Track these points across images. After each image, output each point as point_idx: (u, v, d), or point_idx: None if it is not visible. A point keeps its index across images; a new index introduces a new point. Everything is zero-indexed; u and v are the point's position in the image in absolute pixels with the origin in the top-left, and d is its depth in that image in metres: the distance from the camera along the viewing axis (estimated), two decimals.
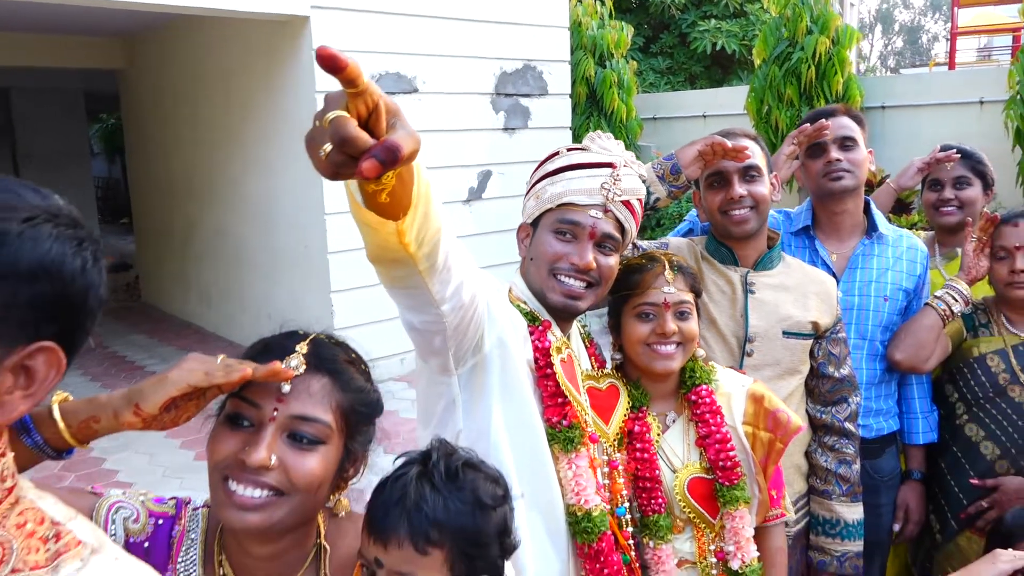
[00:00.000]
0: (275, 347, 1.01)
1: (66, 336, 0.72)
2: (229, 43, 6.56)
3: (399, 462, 1.04)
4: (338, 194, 5.96)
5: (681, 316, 1.55)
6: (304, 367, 0.98)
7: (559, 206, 1.45)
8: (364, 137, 0.72)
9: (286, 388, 0.96)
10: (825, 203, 2.16)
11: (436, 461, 1.01)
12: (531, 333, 1.42)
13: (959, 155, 2.39)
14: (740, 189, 1.79)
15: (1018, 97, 5.55)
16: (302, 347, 1.00)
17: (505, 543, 1.04)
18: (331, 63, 0.68)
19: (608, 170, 1.46)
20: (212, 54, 6.87)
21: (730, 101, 8.24)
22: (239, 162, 6.57)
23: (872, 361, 2.09)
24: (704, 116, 8.36)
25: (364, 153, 0.72)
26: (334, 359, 1.02)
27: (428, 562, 0.97)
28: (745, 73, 10.14)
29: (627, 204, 1.47)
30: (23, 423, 0.92)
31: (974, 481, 2.03)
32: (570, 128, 7.49)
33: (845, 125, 2.09)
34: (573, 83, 7.66)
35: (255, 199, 6.50)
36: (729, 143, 1.74)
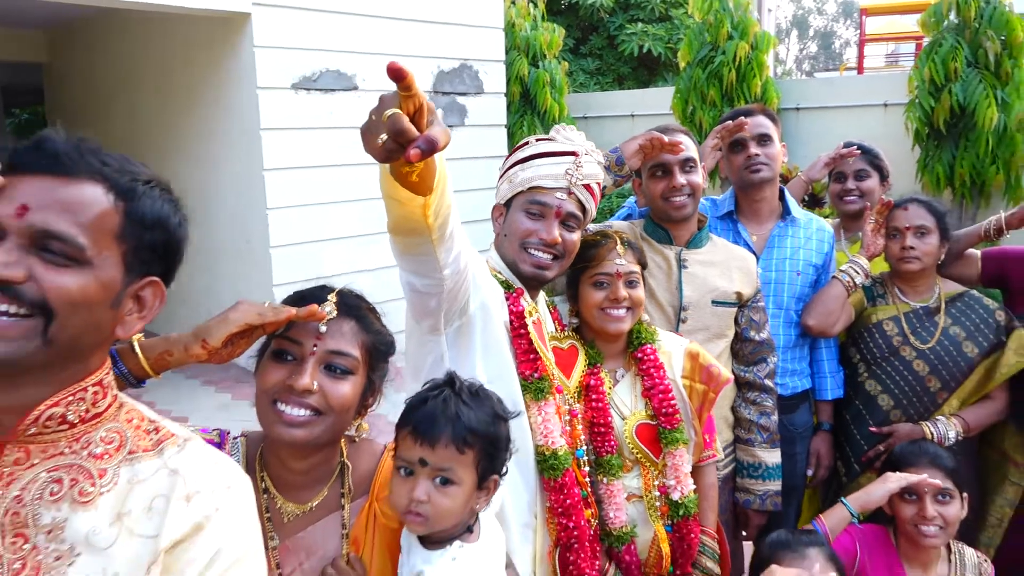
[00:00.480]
0: (309, 296, 1.23)
1: (166, 275, 0.94)
2: (168, 38, 6.57)
3: (427, 385, 1.28)
4: (280, 189, 6.06)
5: (630, 284, 1.82)
6: (336, 312, 1.20)
7: (529, 189, 1.70)
8: (413, 130, 0.95)
9: (323, 328, 1.18)
10: (746, 192, 2.47)
11: (460, 385, 1.25)
12: (507, 299, 1.67)
13: (859, 151, 2.74)
14: (681, 179, 2.08)
15: (917, 101, 6.06)
16: (333, 296, 1.22)
17: (509, 449, 1.29)
18: (397, 74, 0.91)
19: (571, 158, 1.71)
20: (149, 49, 6.85)
21: (657, 101, 8.63)
22: (178, 158, 6.58)
23: (787, 327, 2.41)
24: (632, 115, 8.72)
25: (411, 142, 0.95)
26: (358, 307, 1.26)
27: (464, 459, 1.21)
28: (670, 75, 10.59)
29: (587, 187, 1.73)
30: (111, 355, 1.11)
31: (873, 429, 2.37)
32: (505, 126, 7.75)
33: (762, 124, 2.40)
34: (507, 82, 7.91)
35: (194, 194, 6.49)
36: (666, 138, 2.02)
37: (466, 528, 1.26)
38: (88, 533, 0.84)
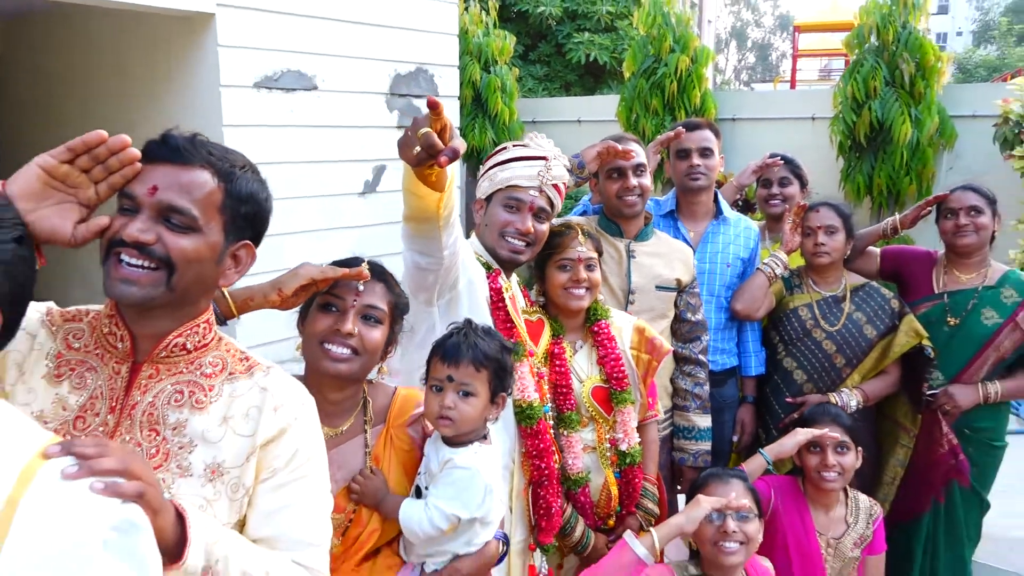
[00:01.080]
0: (346, 265, 1.55)
1: (256, 239, 1.25)
2: (127, 35, 6.66)
3: (451, 327, 1.66)
4: None
5: (589, 268, 2.17)
6: (369, 275, 1.53)
7: (507, 187, 2.03)
8: (440, 144, 1.29)
9: (361, 287, 1.51)
10: (686, 195, 2.85)
11: (475, 326, 1.60)
12: (487, 278, 2.00)
13: (783, 161, 3.15)
14: (633, 181, 2.44)
15: (841, 116, 6.60)
16: (365, 265, 1.54)
17: (512, 374, 1.65)
18: (434, 104, 1.25)
19: (543, 162, 2.05)
20: (106, 44, 6.92)
21: (602, 108, 9.05)
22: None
23: (718, 312, 2.79)
24: (579, 121, 9.13)
25: (439, 153, 1.29)
26: (384, 273, 1.59)
27: (480, 376, 1.58)
28: (615, 83, 11.04)
29: (555, 187, 2.07)
30: None
31: (789, 400, 2.77)
32: (459, 128, 8.05)
33: (707, 138, 2.78)
34: (460, 86, 8.21)
35: None
36: (620, 147, 2.37)
37: (481, 435, 1.61)
38: (203, 430, 1.14)
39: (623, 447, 2.18)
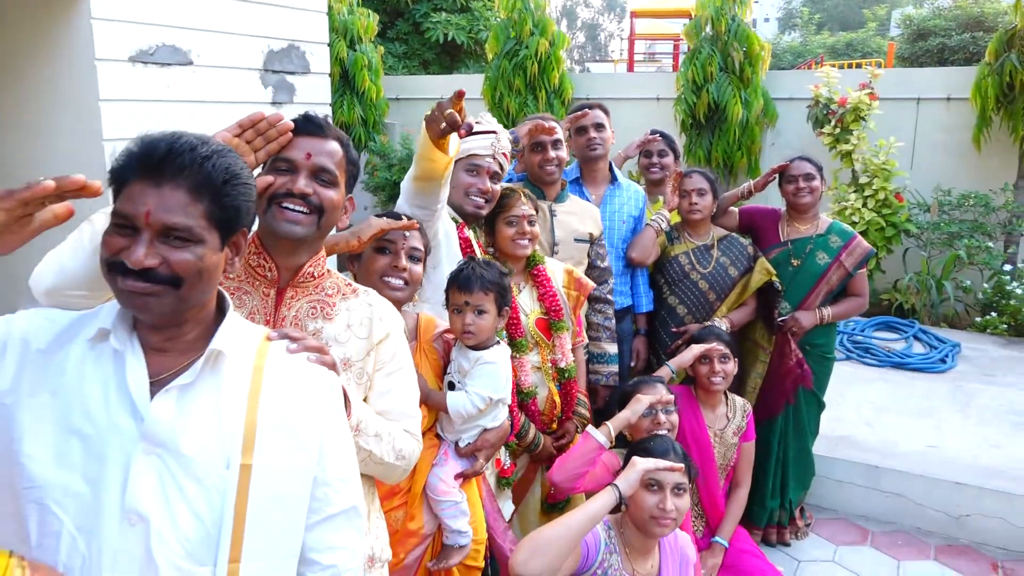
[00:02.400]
0: (394, 216, 1.97)
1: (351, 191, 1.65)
2: None
3: (460, 263, 2.08)
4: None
5: (531, 223, 2.67)
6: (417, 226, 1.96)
7: (468, 156, 2.49)
8: (459, 121, 1.75)
9: (408, 235, 1.94)
10: (587, 164, 3.41)
11: (477, 260, 2.05)
12: (457, 229, 2.46)
13: (660, 136, 3.78)
14: (552, 154, 2.96)
15: (682, 97, 7.46)
16: (404, 218, 1.96)
17: (510, 294, 2.12)
18: (461, 95, 1.70)
19: (493, 135, 2.52)
20: None
21: (465, 87, 9.49)
22: (6, 129, 6.44)
23: (617, 260, 3.38)
24: (442, 98, 9.53)
25: (459, 127, 1.76)
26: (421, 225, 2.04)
27: (488, 298, 2.04)
28: (471, 62, 11.53)
29: (504, 155, 2.55)
30: None
31: (674, 330, 3.41)
32: (330, 104, 8.25)
33: (599, 116, 3.35)
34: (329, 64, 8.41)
35: (26, 164, 6.45)
36: (546, 124, 2.89)
37: (495, 341, 2.08)
38: (334, 335, 1.55)
39: (562, 365, 2.72)
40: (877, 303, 6.86)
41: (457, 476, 2.03)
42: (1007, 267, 6.52)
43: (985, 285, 6.59)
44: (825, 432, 3.86)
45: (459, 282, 2.08)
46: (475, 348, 2.07)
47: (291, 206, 1.49)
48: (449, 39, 11.02)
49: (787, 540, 3.60)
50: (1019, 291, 6.22)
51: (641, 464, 1.98)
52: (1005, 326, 6.23)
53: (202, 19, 6.74)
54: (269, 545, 1.23)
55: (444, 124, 1.84)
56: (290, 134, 1.52)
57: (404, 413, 1.63)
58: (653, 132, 3.78)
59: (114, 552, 1.14)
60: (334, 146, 1.55)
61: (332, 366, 1.35)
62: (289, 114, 5.68)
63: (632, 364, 3.50)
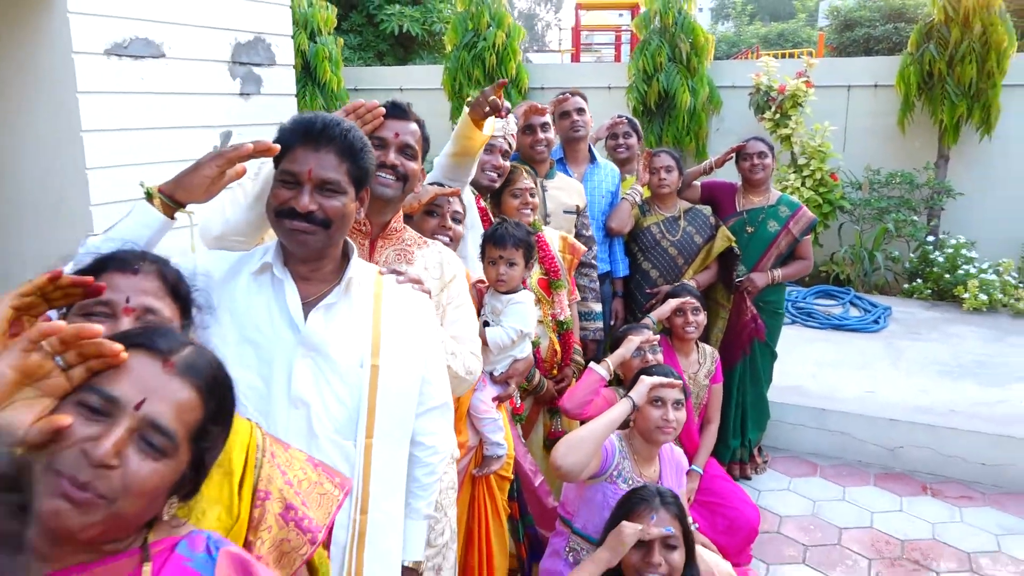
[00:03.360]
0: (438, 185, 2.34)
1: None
2: None
3: (496, 222, 2.46)
4: (99, 150, 6.38)
5: (532, 195, 3.07)
6: (459, 191, 2.34)
7: None
8: (500, 106, 2.14)
9: (451, 201, 2.32)
10: (570, 144, 3.82)
11: (509, 221, 2.45)
12: (476, 199, 2.84)
13: (626, 120, 4.22)
14: (542, 135, 3.36)
15: (634, 85, 7.94)
16: (447, 187, 2.34)
17: (536, 250, 2.52)
18: (503, 84, 2.10)
19: (504, 120, 2.91)
20: None
21: (422, 77, 9.83)
22: None
23: (598, 231, 3.81)
24: (401, 89, 9.84)
25: (499, 110, 2.15)
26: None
27: (518, 254, 2.42)
28: (425, 53, 11.83)
29: (512, 136, 2.95)
30: None
31: (648, 291, 3.86)
32: (294, 95, 8.48)
33: (579, 102, 3.76)
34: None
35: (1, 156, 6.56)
36: (539, 107, 3.29)
37: (522, 288, 2.48)
38: (416, 275, 1.93)
39: (561, 318, 3.13)
40: (816, 274, 7.47)
41: (494, 399, 2.43)
42: (930, 238, 7.20)
43: (911, 255, 7.26)
44: (776, 384, 4.36)
45: (495, 239, 2.48)
46: (506, 293, 2.47)
47: (383, 175, 1.87)
48: (403, 31, 11.30)
49: (748, 475, 4.10)
50: (941, 260, 6.89)
51: (649, 380, 2.41)
52: (929, 291, 6.90)
53: (173, 12, 6.93)
54: (392, 427, 1.62)
55: (487, 108, 2.23)
56: (382, 118, 1.89)
57: (469, 338, 2.02)
58: (619, 117, 4.21)
59: (285, 428, 1.52)
60: (414, 127, 1.93)
61: (428, 293, 1.74)
62: (256, 105, 6.03)
63: (612, 323, 3.94)
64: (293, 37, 8.80)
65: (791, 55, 13.34)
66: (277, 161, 1.57)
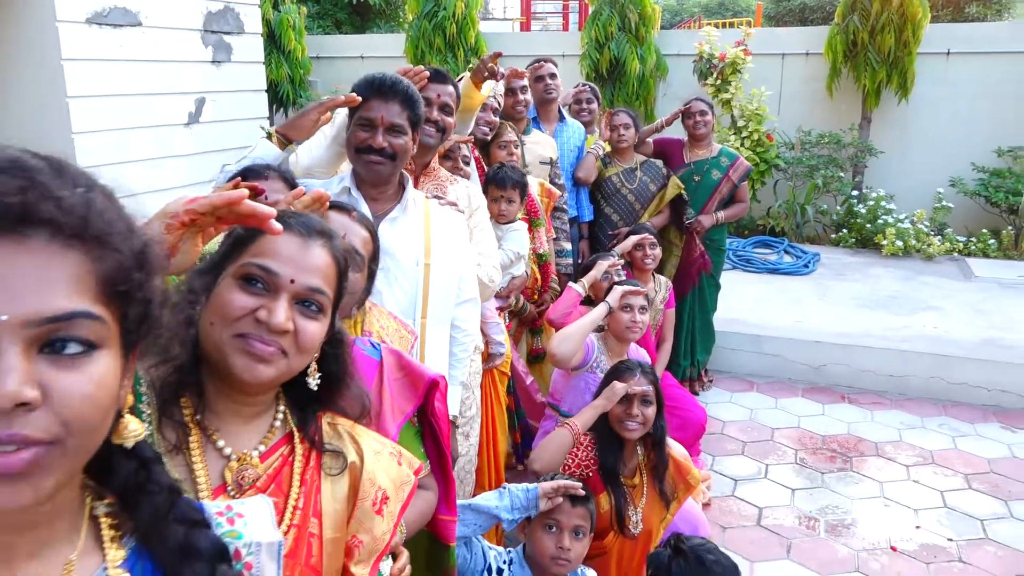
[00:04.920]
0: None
1: None
2: None
3: (494, 167, 3.00)
4: (84, 115, 6.67)
5: (516, 147, 3.62)
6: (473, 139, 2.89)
7: None
8: (496, 71, 2.70)
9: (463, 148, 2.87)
10: (543, 105, 4.36)
11: (507, 166, 3.01)
12: (471, 149, 3.38)
13: (588, 88, 4.78)
14: (520, 96, 3.91)
15: (587, 53, 8.48)
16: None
17: (527, 190, 3.08)
18: (499, 54, 2.65)
19: (494, 80, 3.44)
20: None
21: (383, 45, 10.22)
22: None
23: (567, 180, 4.39)
24: (362, 57, 10.20)
25: (495, 74, 2.71)
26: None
27: (515, 192, 3.00)
28: (382, 22, 12.15)
29: (500, 96, 3.49)
30: None
31: (611, 232, 4.46)
32: (263, 63, 8.81)
33: (552, 68, 4.31)
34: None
35: None
36: (520, 70, 3.83)
37: (517, 219, 3.05)
38: (452, 199, 2.48)
39: (540, 251, 3.71)
40: (754, 227, 8.20)
41: (497, 308, 3.00)
42: (855, 193, 7.97)
43: (838, 208, 8.04)
44: (719, 316, 5.02)
45: (496, 181, 3.02)
46: (505, 224, 3.03)
47: (427, 127, 2.40)
48: (361, 0, 11.61)
49: (696, 391, 4.77)
50: (863, 211, 7.68)
51: (620, 288, 3.01)
52: (853, 240, 7.68)
53: None
54: (439, 311, 2.18)
55: (486, 73, 2.76)
56: (426, 80, 2.41)
57: (490, 254, 2.59)
58: (583, 85, 4.78)
59: None
60: (451, 89, 2.47)
61: (463, 212, 2.30)
62: (227, 73, 6.58)
63: (579, 262, 4.53)
64: (259, 6, 9.12)
65: (731, 24, 14.03)
66: (352, 111, 2.10)
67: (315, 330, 1.07)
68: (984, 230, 7.51)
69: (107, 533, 0.72)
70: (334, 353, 1.14)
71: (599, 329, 3.05)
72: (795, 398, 4.77)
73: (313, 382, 1.11)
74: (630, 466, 2.54)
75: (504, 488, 2.08)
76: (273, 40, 9.41)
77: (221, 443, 1.05)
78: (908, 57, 7.60)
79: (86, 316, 0.63)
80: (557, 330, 3.37)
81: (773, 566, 3.15)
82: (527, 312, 3.68)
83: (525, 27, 15.07)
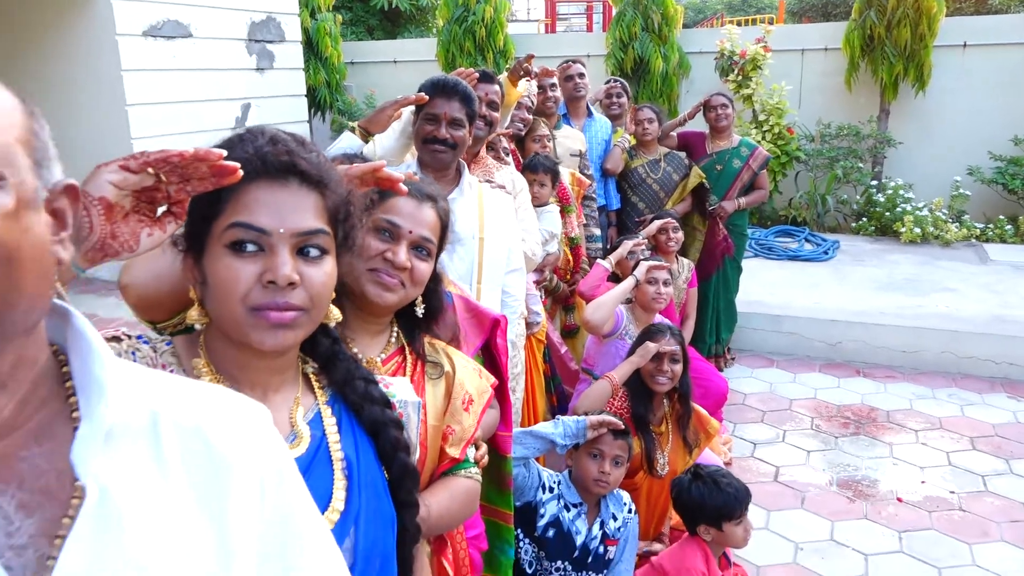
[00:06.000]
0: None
1: None
2: None
3: (531, 157, 3.38)
4: (142, 122, 7.15)
5: (548, 141, 3.98)
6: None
7: None
8: (531, 70, 3.07)
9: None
10: (572, 102, 4.72)
11: (541, 155, 3.36)
12: (508, 140, 3.76)
13: (619, 83, 5.13)
14: (551, 93, 4.27)
15: (612, 53, 8.83)
16: None
17: (559, 178, 3.46)
18: (531, 56, 3.01)
19: (529, 82, 3.81)
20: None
21: (414, 50, 10.63)
22: (38, 100, 7.26)
23: (595, 172, 4.74)
24: (395, 61, 10.62)
25: (530, 73, 3.08)
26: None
27: (547, 177, 3.41)
28: (412, 27, 12.58)
29: (533, 95, 3.86)
30: None
31: (637, 220, 4.81)
32: (302, 69, 9.27)
33: (581, 68, 4.67)
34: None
35: (56, 129, 7.30)
36: (550, 69, 4.20)
37: (550, 201, 3.41)
38: (501, 183, 2.85)
39: (571, 235, 4.07)
40: (776, 218, 8.49)
41: (535, 281, 3.37)
42: (874, 183, 8.23)
43: (858, 198, 8.29)
44: (741, 299, 5.33)
45: (530, 167, 3.39)
46: (539, 206, 3.40)
47: (478, 122, 2.77)
48: (392, 6, 12.04)
49: (720, 367, 5.10)
50: (882, 200, 7.93)
51: (646, 263, 3.36)
52: (872, 228, 7.94)
53: None
54: (492, 277, 2.55)
55: (521, 73, 3.13)
56: (476, 80, 2.78)
57: (532, 232, 2.95)
58: (614, 80, 5.13)
59: None
60: (496, 88, 2.84)
61: (510, 196, 2.67)
62: (270, 79, 7.15)
63: (607, 247, 4.89)
64: (298, 15, 9.58)
65: (753, 21, 14.28)
66: (418, 108, 2.48)
67: (425, 269, 1.45)
68: (1001, 216, 7.73)
69: (315, 383, 1.11)
70: (435, 289, 1.51)
71: (627, 301, 3.41)
72: (812, 373, 5.07)
73: (419, 310, 1.49)
74: (658, 416, 2.90)
75: (558, 419, 2.44)
76: (311, 47, 9.87)
77: (355, 349, 1.42)
78: (924, 50, 7.84)
79: (322, 232, 0.99)
80: (587, 302, 3.74)
81: (787, 514, 3.48)
82: (560, 290, 4.04)
83: (550, 29, 15.45)
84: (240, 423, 0.73)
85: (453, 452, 1.49)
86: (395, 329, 1.51)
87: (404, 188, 1.34)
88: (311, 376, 1.12)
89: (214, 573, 0.65)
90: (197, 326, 1.03)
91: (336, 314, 1.09)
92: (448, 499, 1.44)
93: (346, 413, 1.11)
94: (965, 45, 8.07)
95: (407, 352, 1.49)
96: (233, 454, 0.71)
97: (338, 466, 1.06)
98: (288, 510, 0.74)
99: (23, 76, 7.28)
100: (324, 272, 1.00)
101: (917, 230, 7.47)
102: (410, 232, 1.43)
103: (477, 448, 1.63)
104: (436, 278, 1.52)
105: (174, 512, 0.65)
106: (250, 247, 0.96)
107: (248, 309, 0.96)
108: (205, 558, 0.65)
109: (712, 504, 2.43)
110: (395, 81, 10.58)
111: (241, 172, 0.93)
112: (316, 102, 9.89)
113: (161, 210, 0.98)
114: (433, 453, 1.47)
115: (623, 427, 2.45)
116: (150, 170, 0.92)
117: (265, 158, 0.97)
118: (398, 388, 1.21)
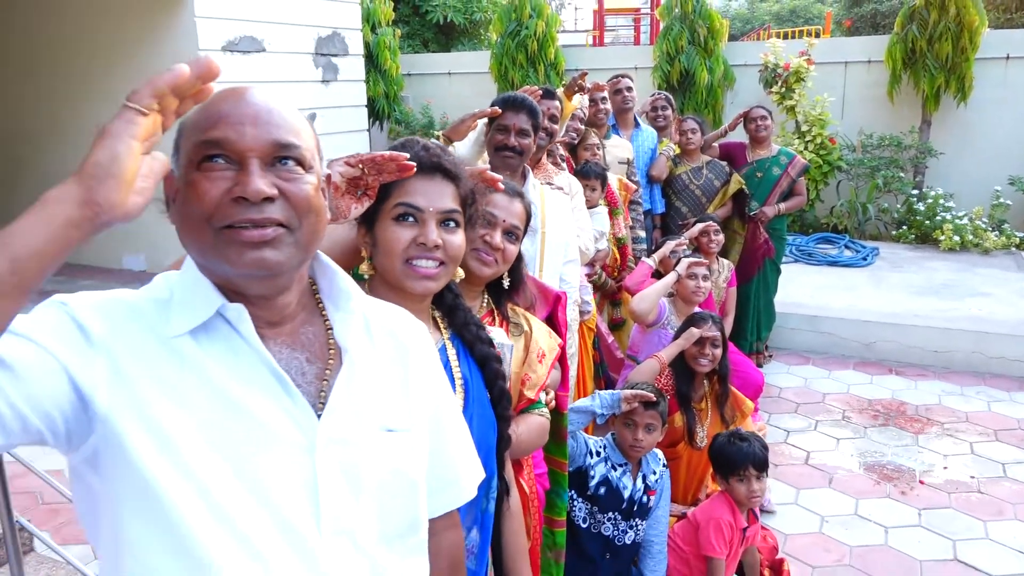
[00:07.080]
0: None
1: None
2: (105, 5, 7.81)
3: (583, 163, 3.77)
4: None
5: (598, 150, 4.36)
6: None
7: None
8: (585, 85, 3.47)
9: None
10: (620, 114, 5.10)
11: (592, 162, 3.75)
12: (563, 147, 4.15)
13: (664, 96, 5.49)
14: (602, 106, 4.65)
15: (658, 66, 9.17)
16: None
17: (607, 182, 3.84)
18: (584, 74, 3.44)
19: (581, 97, 4.20)
20: (77, 11, 7.99)
21: (468, 62, 11.11)
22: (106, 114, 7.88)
23: (641, 178, 5.11)
24: (450, 73, 11.11)
25: (583, 88, 3.48)
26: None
27: (597, 182, 3.75)
28: (466, 40, 13.07)
29: (585, 108, 4.25)
30: None
31: (681, 223, 5.15)
32: (364, 81, 9.80)
33: (629, 82, 5.04)
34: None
35: None
36: (601, 83, 4.58)
37: (599, 203, 3.80)
38: (560, 185, 3.25)
39: (619, 235, 4.44)
40: (818, 225, 8.73)
41: (586, 275, 3.75)
42: (915, 192, 8.43)
43: (899, 207, 8.50)
44: (780, 300, 5.63)
45: (582, 172, 3.78)
46: (590, 208, 3.79)
47: (540, 133, 3.17)
48: (447, 20, 12.56)
49: (759, 364, 5.41)
50: (922, 209, 8.13)
51: (687, 260, 3.73)
52: (913, 236, 8.15)
53: (270, 13, 8.29)
54: (552, 265, 2.94)
55: (576, 88, 3.52)
56: (539, 96, 3.18)
57: (586, 229, 3.34)
58: (659, 93, 5.50)
59: None
60: (556, 103, 3.24)
61: (566, 195, 3.07)
62: (334, 91, 7.79)
63: (652, 248, 5.24)
64: (360, 30, 10.13)
65: (800, 33, 14.48)
66: (490, 120, 2.89)
67: (513, 250, 1.85)
68: None
69: (440, 324, 1.51)
70: (518, 267, 1.91)
71: (670, 295, 3.77)
72: (846, 370, 5.35)
73: (506, 283, 1.89)
74: (699, 394, 3.26)
75: (595, 394, 2.82)
76: (371, 60, 10.40)
77: None
78: (966, 63, 8.04)
79: (456, 211, 1.40)
80: (632, 295, 4.11)
81: (815, 492, 3.80)
82: (608, 286, 4.41)
83: (598, 41, 15.83)
84: (412, 326, 1.15)
85: (529, 394, 1.89)
86: (486, 296, 1.91)
87: (502, 186, 1.73)
88: (437, 319, 1.52)
89: (402, 410, 1.06)
90: (366, 276, 1.44)
91: (460, 273, 1.49)
92: (526, 429, 1.84)
93: (462, 348, 1.51)
94: (1008, 57, 8.24)
95: (495, 314, 1.89)
96: (410, 342, 1.13)
97: (459, 383, 1.46)
98: (441, 385, 1.16)
99: (118, 90, 7.88)
100: (458, 239, 1.40)
101: (956, 238, 7.66)
102: (504, 221, 1.82)
103: (547, 394, 2.02)
104: (519, 258, 1.91)
105: (382, 368, 1.08)
106: (410, 219, 1.37)
107: (404, 262, 1.36)
108: (398, 400, 1.06)
109: (721, 456, 2.82)
110: (450, 92, 11.08)
111: (415, 169, 1.33)
112: (375, 112, 10.39)
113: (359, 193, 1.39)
114: (514, 394, 1.86)
115: (654, 399, 2.81)
116: (360, 165, 1.33)
117: (420, 160, 1.38)
118: (496, 334, 1.61)
